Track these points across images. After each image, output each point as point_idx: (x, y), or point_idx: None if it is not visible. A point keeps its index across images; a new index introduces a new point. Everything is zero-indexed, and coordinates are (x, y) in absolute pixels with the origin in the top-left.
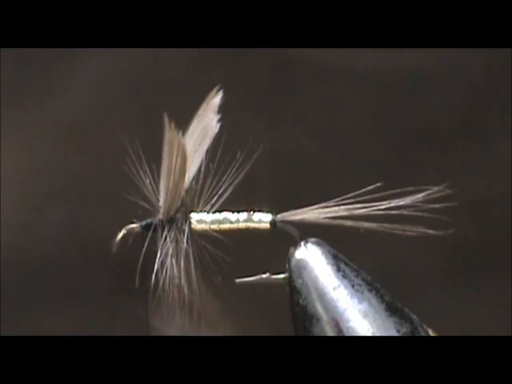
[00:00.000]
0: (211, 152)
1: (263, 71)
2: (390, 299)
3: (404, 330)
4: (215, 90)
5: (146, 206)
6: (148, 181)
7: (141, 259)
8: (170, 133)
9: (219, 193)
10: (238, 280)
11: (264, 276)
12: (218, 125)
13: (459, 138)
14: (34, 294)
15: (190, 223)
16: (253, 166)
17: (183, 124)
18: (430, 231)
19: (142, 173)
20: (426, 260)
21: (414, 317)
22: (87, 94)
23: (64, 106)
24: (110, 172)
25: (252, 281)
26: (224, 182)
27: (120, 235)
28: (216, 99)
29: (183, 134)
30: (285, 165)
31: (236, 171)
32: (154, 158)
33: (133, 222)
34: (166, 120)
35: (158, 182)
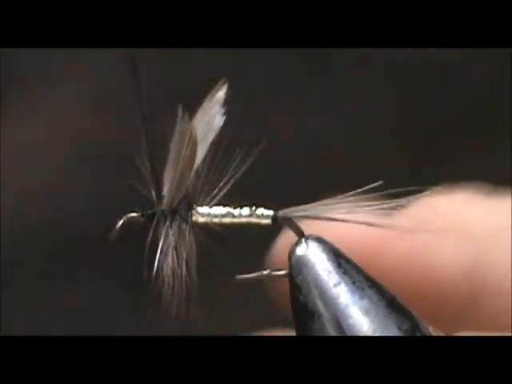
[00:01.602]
0: (215, 145)
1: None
2: (390, 296)
3: (405, 327)
4: (220, 82)
5: (149, 195)
6: (153, 170)
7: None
8: (182, 123)
9: (222, 187)
10: (238, 276)
11: (265, 272)
12: (223, 118)
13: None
14: (58, 265)
15: (192, 215)
16: (255, 160)
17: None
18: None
19: (146, 162)
20: None
21: (415, 313)
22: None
23: (88, 77)
24: (135, 145)
25: (252, 277)
26: (227, 176)
27: (119, 224)
28: (221, 92)
29: (193, 125)
30: (287, 160)
31: (238, 165)
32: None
33: (134, 211)
34: (180, 110)
35: (163, 171)
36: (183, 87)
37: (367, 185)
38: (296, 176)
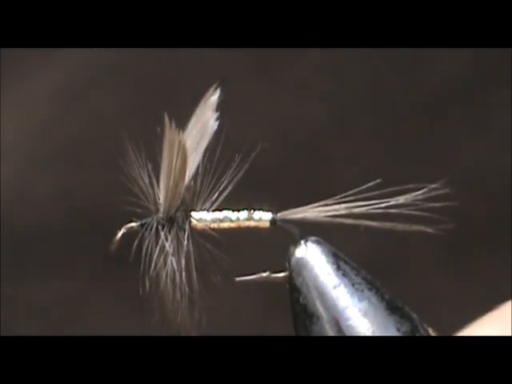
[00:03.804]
0: (210, 150)
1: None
2: (390, 298)
3: (404, 329)
4: (213, 87)
5: (146, 204)
6: (148, 179)
7: (141, 258)
8: (170, 132)
9: (219, 191)
10: (237, 278)
11: (264, 275)
12: (217, 122)
13: (460, 110)
14: (23, 260)
15: (190, 222)
16: (252, 163)
17: (183, 122)
18: (430, 230)
19: (141, 171)
20: (426, 241)
21: (414, 315)
22: (84, 64)
23: (61, 75)
24: (104, 140)
25: (252, 279)
26: (224, 180)
27: (119, 234)
28: (214, 97)
29: (183, 133)
30: (285, 161)
31: (235, 169)
32: (153, 155)
33: (132, 221)
34: (166, 119)
35: (158, 180)
36: (183, 87)
37: (364, 184)
38: (294, 177)
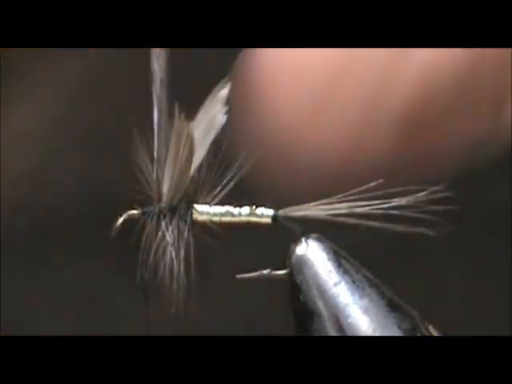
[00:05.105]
0: (217, 144)
1: None
2: (390, 295)
3: (404, 327)
4: (223, 81)
5: (149, 193)
6: (153, 168)
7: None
8: (178, 122)
9: (222, 185)
10: (238, 275)
11: (265, 272)
12: (225, 116)
13: None
14: (47, 246)
15: (192, 214)
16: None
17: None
18: (431, 232)
19: (146, 160)
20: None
21: (415, 313)
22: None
23: (77, 63)
24: (122, 126)
25: (253, 276)
26: (228, 175)
27: (120, 221)
28: (223, 90)
29: (191, 124)
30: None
31: (240, 165)
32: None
33: (134, 208)
34: (176, 110)
35: (163, 169)
36: (183, 87)
37: (367, 184)
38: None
